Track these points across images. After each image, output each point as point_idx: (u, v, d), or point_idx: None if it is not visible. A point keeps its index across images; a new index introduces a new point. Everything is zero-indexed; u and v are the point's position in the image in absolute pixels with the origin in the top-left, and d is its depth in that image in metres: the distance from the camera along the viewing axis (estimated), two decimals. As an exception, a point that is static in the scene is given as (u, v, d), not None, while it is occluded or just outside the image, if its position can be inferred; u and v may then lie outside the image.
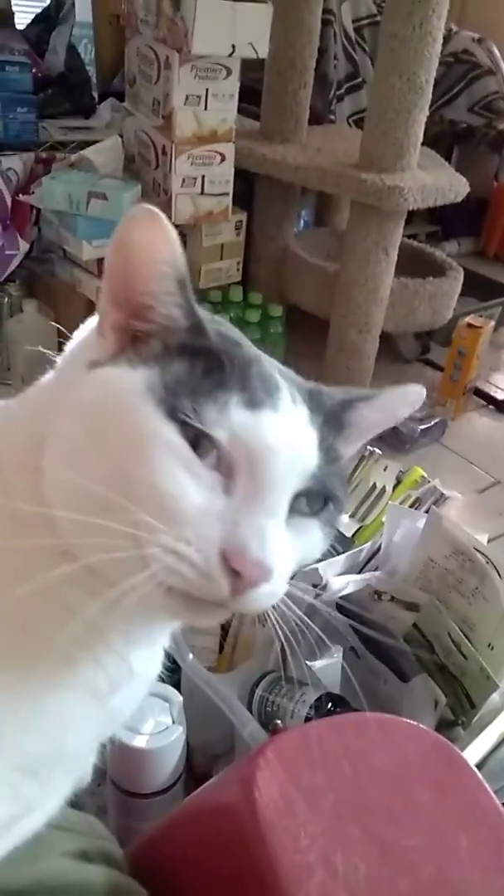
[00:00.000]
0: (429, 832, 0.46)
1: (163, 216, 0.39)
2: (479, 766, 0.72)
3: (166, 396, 0.38)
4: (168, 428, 0.38)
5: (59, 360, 0.47)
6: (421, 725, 0.54)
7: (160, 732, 0.75)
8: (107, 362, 0.41)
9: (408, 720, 0.54)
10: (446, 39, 2.62)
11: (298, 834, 0.43)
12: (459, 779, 0.50)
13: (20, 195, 1.70)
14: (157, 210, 0.38)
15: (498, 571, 0.82)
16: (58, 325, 0.50)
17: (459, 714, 0.80)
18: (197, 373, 0.39)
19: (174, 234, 0.39)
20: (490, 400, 2.08)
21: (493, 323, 2.01)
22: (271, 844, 0.43)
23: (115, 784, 0.78)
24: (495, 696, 0.78)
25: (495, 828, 0.47)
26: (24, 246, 1.74)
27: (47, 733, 0.43)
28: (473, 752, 0.72)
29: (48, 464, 0.41)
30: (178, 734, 0.76)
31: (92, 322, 0.45)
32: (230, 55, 1.60)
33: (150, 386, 0.38)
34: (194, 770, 0.87)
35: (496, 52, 2.85)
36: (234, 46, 1.58)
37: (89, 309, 1.87)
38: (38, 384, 0.47)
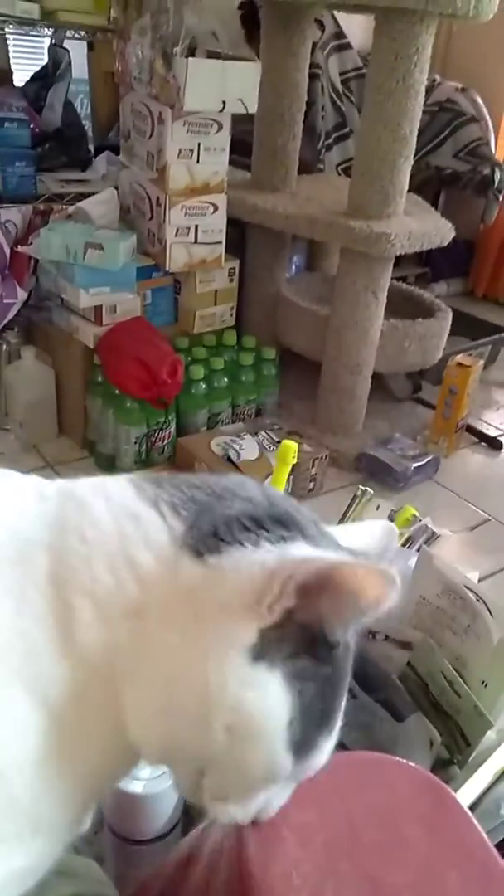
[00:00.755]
0: (419, 869, 0.47)
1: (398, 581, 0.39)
2: (475, 804, 0.72)
3: (296, 731, 0.41)
4: (289, 760, 0.41)
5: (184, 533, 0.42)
6: (411, 763, 0.55)
7: (157, 778, 0.75)
8: (260, 649, 0.40)
9: (398, 759, 0.55)
10: (431, 89, 2.72)
11: (290, 871, 0.44)
12: (449, 816, 0.51)
13: (19, 246, 1.74)
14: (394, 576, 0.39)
15: (489, 609, 0.83)
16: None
17: (455, 752, 0.81)
18: (318, 704, 0.42)
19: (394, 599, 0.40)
20: (482, 437, 2.11)
21: (482, 361, 2.04)
22: (264, 883, 0.44)
23: (112, 831, 0.77)
24: (490, 734, 0.79)
25: (484, 865, 0.48)
26: (22, 295, 1.78)
27: (68, 802, 0.43)
28: (468, 791, 0.72)
29: (146, 672, 0.40)
30: (175, 779, 0.76)
31: (248, 563, 0.41)
32: (221, 111, 1.66)
33: (292, 720, 0.40)
34: (192, 816, 0.86)
35: (479, 100, 2.95)
36: (224, 102, 1.64)
37: (86, 355, 1.88)
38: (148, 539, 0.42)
